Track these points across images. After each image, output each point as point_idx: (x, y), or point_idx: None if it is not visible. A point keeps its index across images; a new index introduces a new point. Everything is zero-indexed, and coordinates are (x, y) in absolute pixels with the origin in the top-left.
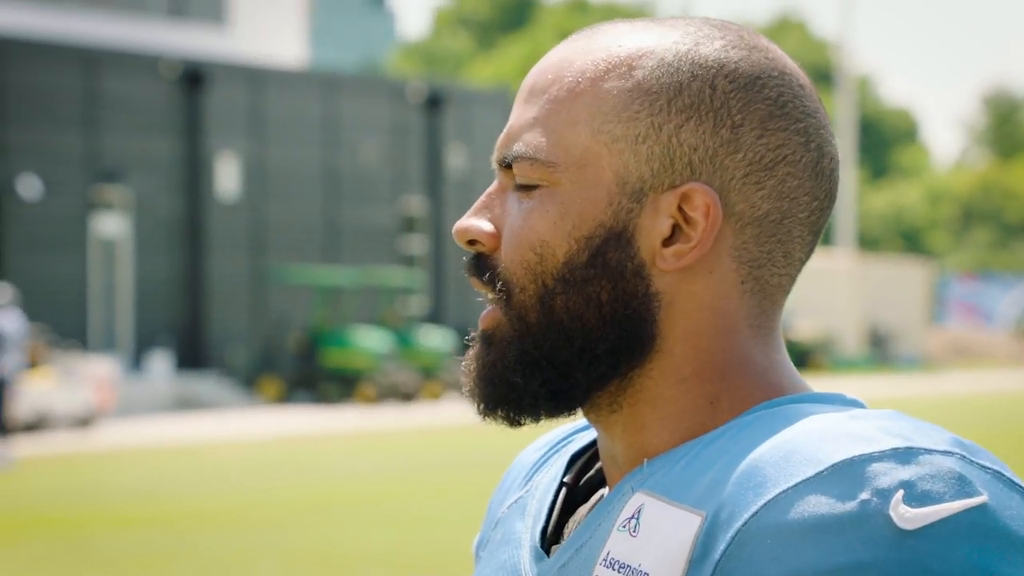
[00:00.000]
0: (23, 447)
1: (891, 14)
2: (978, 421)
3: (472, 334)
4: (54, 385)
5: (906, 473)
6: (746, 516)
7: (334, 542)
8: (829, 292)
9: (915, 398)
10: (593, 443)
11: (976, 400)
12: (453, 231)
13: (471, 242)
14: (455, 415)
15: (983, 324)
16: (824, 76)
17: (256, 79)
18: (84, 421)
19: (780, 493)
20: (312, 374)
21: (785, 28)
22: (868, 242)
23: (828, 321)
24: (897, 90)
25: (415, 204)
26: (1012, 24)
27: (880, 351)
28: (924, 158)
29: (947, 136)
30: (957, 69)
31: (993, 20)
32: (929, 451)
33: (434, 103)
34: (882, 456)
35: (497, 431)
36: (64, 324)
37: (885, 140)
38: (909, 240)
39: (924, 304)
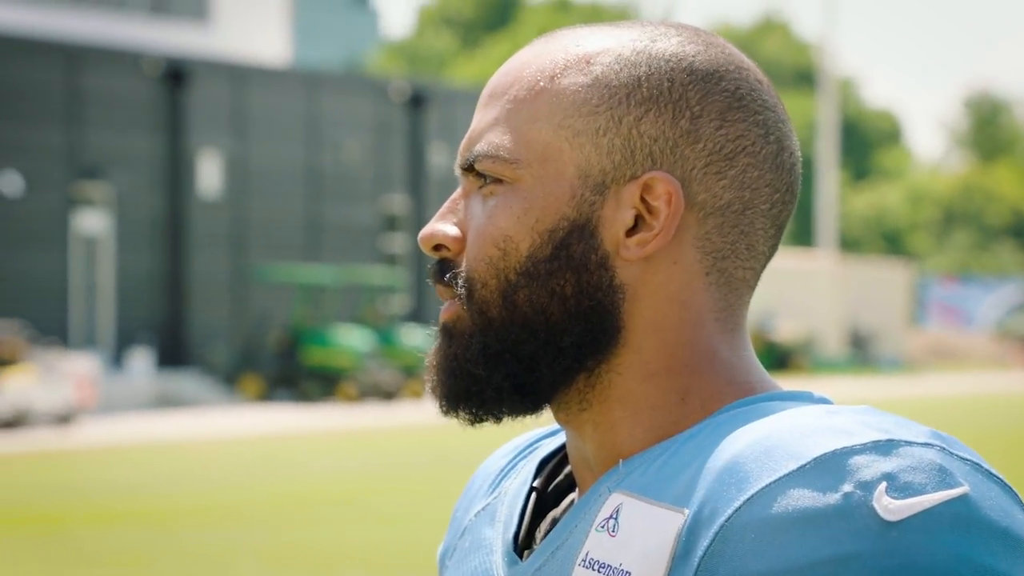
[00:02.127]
0: (3, 444)
1: (874, 16)
2: (958, 423)
3: (433, 328)
4: (34, 382)
5: (888, 465)
6: (729, 512)
7: (315, 540)
8: (810, 293)
9: (895, 399)
10: (561, 448)
11: (956, 402)
12: (419, 238)
13: (437, 247)
14: (436, 414)
15: (963, 326)
16: (807, 78)
17: (239, 77)
18: (64, 418)
19: (763, 488)
20: (293, 372)
21: (768, 30)
22: (849, 243)
23: (809, 322)
24: (880, 92)
25: (397, 203)
26: (995, 27)
27: (861, 352)
28: (906, 160)
29: (929, 138)
30: (939, 72)
31: (976, 23)
32: (909, 443)
33: (417, 102)
34: (863, 449)
35: (480, 430)
36: (45, 321)
37: (867, 142)
38: (890, 242)
39: (905, 306)
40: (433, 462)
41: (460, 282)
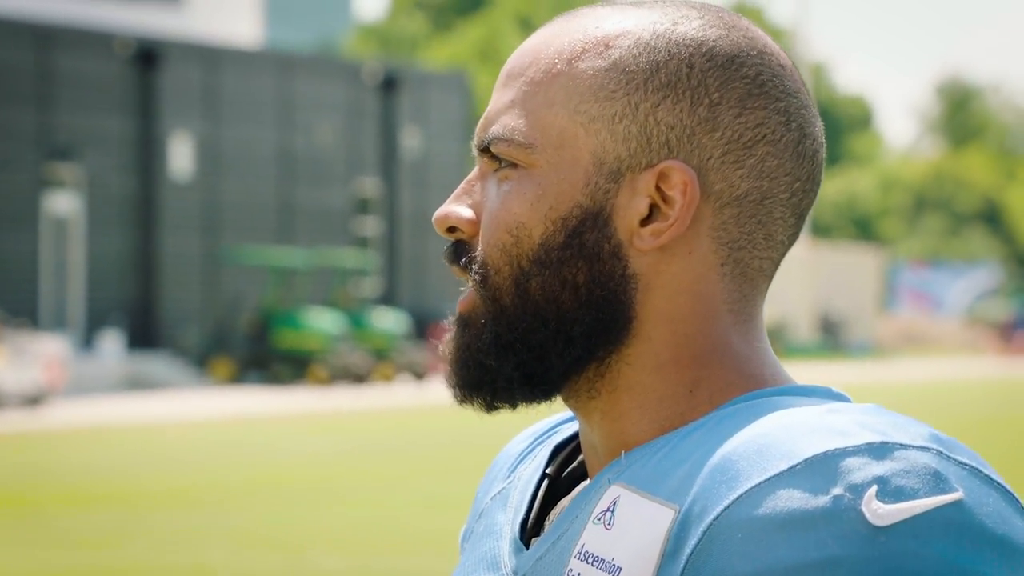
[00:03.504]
0: None
1: (846, 1)
2: (929, 408)
3: (450, 318)
4: (4, 363)
5: (880, 468)
6: (718, 510)
7: (285, 523)
8: (781, 278)
9: (866, 385)
10: (577, 434)
11: (927, 387)
12: (433, 219)
13: (451, 229)
14: (407, 397)
15: (934, 312)
16: None
17: (211, 58)
18: (34, 400)
19: (752, 487)
20: (264, 355)
21: (741, 15)
22: (821, 229)
23: (780, 307)
24: (851, 77)
25: (369, 186)
26: (967, 14)
27: (832, 338)
28: (877, 146)
29: (900, 124)
30: (911, 57)
31: (949, 9)
32: (905, 446)
33: (389, 85)
34: (856, 451)
35: (451, 413)
36: (15, 302)
37: (839, 127)
38: (861, 227)
39: (876, 291)
40: (404, 445)
41: (475, 268)
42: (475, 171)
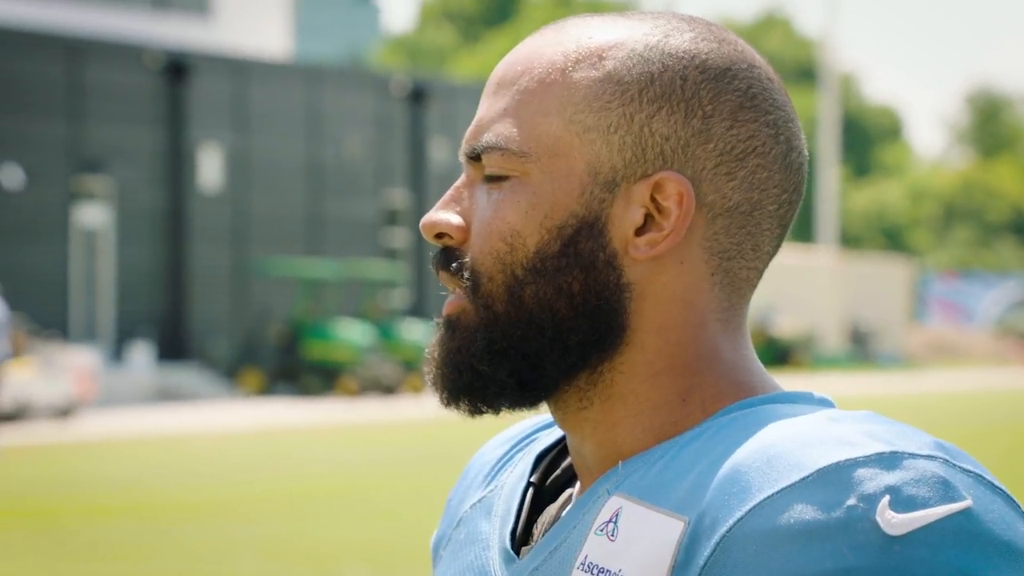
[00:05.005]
0: (3, 437)
1: (876, 11)
2: (959, 420)
3: (436, 321)
4: (35, 375)
5: (891, 478)
6: (731, 522)
7: (314, 535)
8: (811, 289)
9: (896, 396)
10: (559, 441)
11: (957, 398)
12: (420, 225)
13: (439, 235)
14: (436, 409)
15: (964, 323)
16: (808, 73)
17: (240, 71)
18: (64, 411)
19: (765, 499)
20: (294, 366)
21: (770, 25)
22: (850, 240)
23: (809, 318)
24: (881, 88)
25: (398, 197)
26: (997, 23)
27: (861, 349)
28: (907, 156)
29: (930, 134)
30: (941, 67)
31: (978, 19)
32: (913, 455)
33: (418, 96)
34: (867, 461)
35: (480, 424)
36: (45, 314)
37: (868, 138)
38: (891, 238)
39: (905, 302)
40: (433, 456)
41: (466, 274)
42: (463, 178)
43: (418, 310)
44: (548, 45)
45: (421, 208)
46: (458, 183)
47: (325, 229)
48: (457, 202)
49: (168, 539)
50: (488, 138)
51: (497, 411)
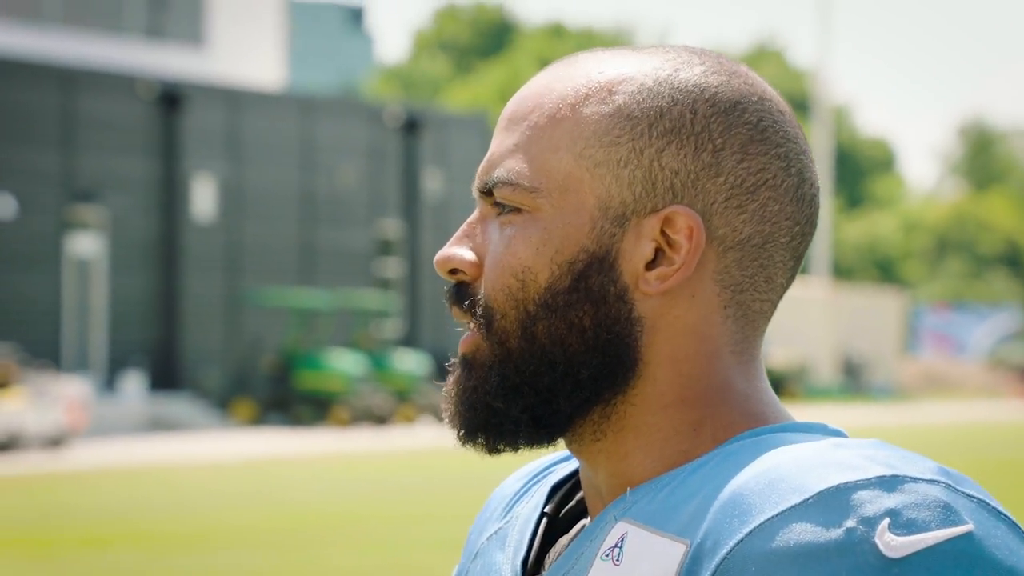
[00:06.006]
0: None
1: (869, 44)
2: (951, 451)
3: (452, 359)
4: (26, 405)
5: (892, 501)
6: (731, 544)
7: (306, 564)
8: (803, 320)
9: (888, 427)
10: (574, 473)
11: (949, 430)
12: (435, 261)
13: (453, 271)
14: (429, 439)
15: (956, 354)
16: (801, 105)
17: (233, 100)
18: (56, 441)
19: (765, 521)
20: (286, 396)
21: (762, 57)
22: (843, 271)
23: (802, 349)
24: (873, 120)
25: (391, 227)
26: (989, 57)
27: (853, 380)
28: (899, 188)
29: (923, 166)
30: (934, 100)
31: (971, 53)
32: (915, 479)
33: (411, 127)
34: (868, 484)
35: (472, 456)
36: (37, 343)
37: (861, 170)
38: (883, 270)
39: (898, 334)
40: (425, 487)
41: (479, 311)
42: (476, 213)
43: (410, 340)
44: (559, 80)
45: (414, 238)
46: (471, 218)
47: (318, 259)
48: (470, 237)
49: (160, 568)
50: (499, 173)
51: (515, 448)
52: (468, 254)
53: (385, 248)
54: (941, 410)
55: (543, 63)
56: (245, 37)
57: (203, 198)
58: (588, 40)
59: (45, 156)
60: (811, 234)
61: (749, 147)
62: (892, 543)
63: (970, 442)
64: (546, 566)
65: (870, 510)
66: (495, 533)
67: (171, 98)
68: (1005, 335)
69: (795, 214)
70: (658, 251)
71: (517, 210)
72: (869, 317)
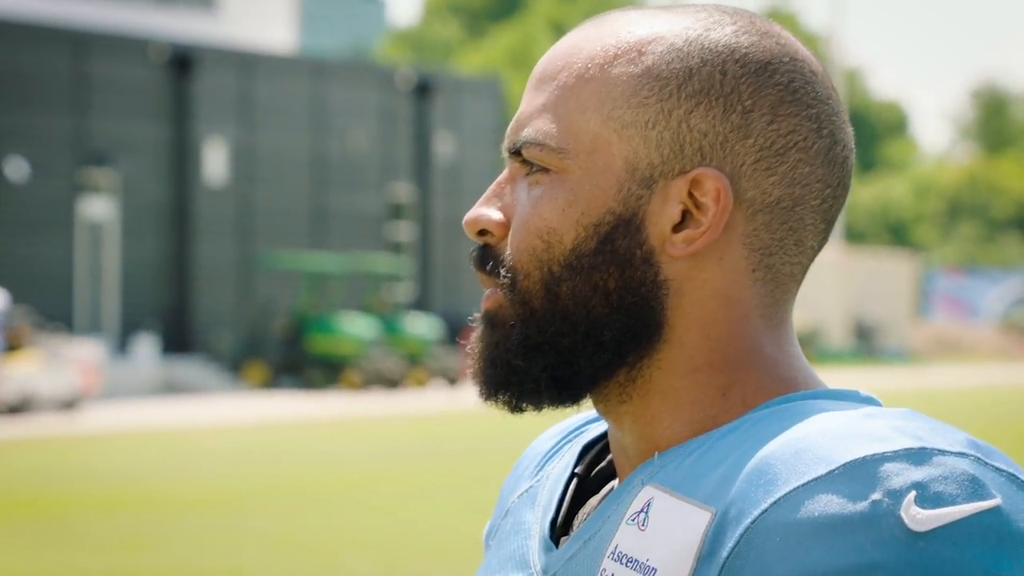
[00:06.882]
0: (8, 429)
1: (881, 7)
2: (963, 415)
3: (475, 316)
4: (39, 368)
5: (918, 474)
6: (755, 514)
7: (318, 528)
8: (815, 284)
9: (900, 391)
10: (605, 434)
11: (961, 394)
12: (464, 222)
13: (481, 232)
14: (440, 402)
15: (969, 318)
16: None
17: (245, 64)
18: (69, 404)
19: (790, 491)
20: (298, 360)
21: (775, 20)
22: (855, 235)
23: (814, 313)
24: (886, 83)
25: (403, 191)
26: (1002, 19)
27: (865, 344)
28: (912, 151)
29: (935, 130)
30: (947, 63)
31: (984, 14)
32: (943, 452)
33: (423, 90)
34: (895, 456)
35: (483, 420)
36: (50, 307)
37: (874, 133)
38: (896, 233)
39: (910, 297)
40: (437, 450)
41: (503, 271)
42: (505, 173)
43: (422, 303)
44: (588, 40)
45: (426, 202)
46: (500, 178)
47: (329, 223)
48: (499, 197)
49: (172, 531)
50: (528, 133)
51: (539, 408)
52: (496, 214)
53: (397, 212)
54: (953, 374)
55: (555, 27)
56: (257, 0)
57: (215, 162)
58: (602, 4)
59: (57, 120)
60: (843, 197)
61: (779, 108)
62: (918, 516)
63: (982, 406)
64: (575, 527)
65: (896, 483)
66: (526, 491)
67: (183, 61)
68: (1018, 299)
69: (826, 176)
70: (685, 213)
71: (545, 170)
72: (881, 281)
